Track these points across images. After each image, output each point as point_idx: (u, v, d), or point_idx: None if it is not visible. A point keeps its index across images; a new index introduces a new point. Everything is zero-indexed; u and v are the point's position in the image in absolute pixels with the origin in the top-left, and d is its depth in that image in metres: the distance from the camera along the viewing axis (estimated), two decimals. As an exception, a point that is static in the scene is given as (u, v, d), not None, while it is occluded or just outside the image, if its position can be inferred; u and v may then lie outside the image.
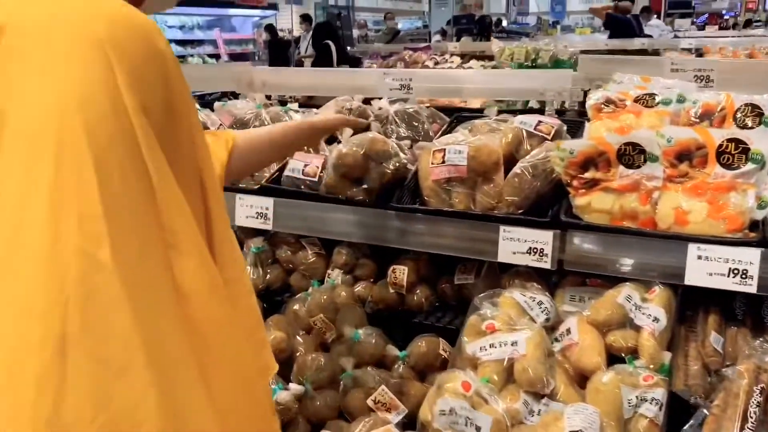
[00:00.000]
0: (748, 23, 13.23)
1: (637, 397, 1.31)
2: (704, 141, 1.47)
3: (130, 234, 0.59)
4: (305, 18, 12.61)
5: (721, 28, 13.56)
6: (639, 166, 1.53)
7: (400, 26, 23.01)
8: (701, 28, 14.12)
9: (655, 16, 15.89)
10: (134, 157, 0.60)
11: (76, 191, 0.57)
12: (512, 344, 1.41)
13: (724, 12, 20.39)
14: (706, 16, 20.04)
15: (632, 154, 1.53)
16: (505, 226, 1.63)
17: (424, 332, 1.74)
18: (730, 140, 1.45)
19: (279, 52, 11.57)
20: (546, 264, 1.60)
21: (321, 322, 1.75)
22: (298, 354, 1.72)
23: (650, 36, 8.31)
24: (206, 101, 2.79)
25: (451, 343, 1.68)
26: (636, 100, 1.75)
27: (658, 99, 1.72)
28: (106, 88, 0.60)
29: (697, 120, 1.65)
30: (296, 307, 1.86)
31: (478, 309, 1.56)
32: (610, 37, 7.85)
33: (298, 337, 1.78)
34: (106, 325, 0.56)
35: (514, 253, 1.63)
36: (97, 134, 0.59)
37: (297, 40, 12.35)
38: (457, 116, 2.20)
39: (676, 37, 9.19)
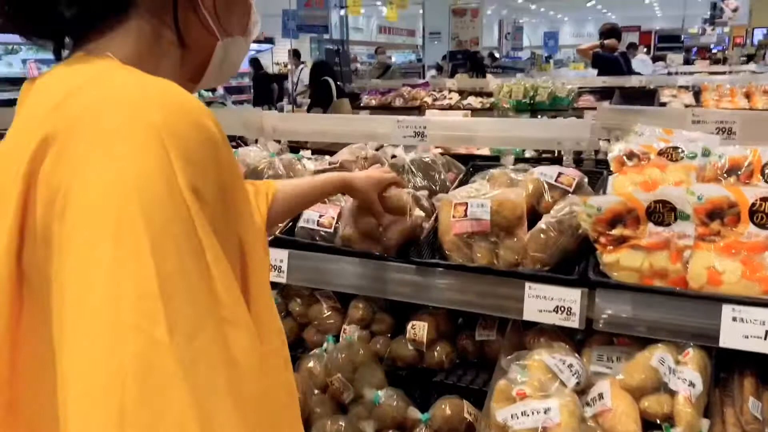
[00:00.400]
0: (750, 58, 13.42)
1: (678, 469, 1.26)
2: (736, 199, 1.44)
3: (186, 311, 0.60)
4: (295, 54, 12.67)
5: (711, 63, 13.74)
6: (669, 224, 1.49)
7: (393, 59, 23.27)
8: (691, 62, 14.32)
9: (645, 50, 16.11)
10: (189, 236, 0.62)
11: (134, 271, 0.59)
12: (545, 412, 1.35)
13: (712, 46, 20.73)
14: (696, 50, 20.36)
15: (662, 212, 1.49)
16: (531, 283, 1.59)
17: (445, 391, 1.68)
18: (763, 199, 1.42)
19: (263, 86, 11.61)
20: (574, 323, 1.55)
21: (338, 382, 1.69)
22: (314, 416, 1.65)
23: (639, 73, 8.40)
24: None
25: (475, 403, 1.63)
26: (660, 154, 1.72)
27: (683, 153, 1.70)
28: (162, 171, 0.61)
29: (725, 175, 1.63)
30: (311, 364, 1.80)
31: (505, 372, 1.51)
32: (599, 74, 7.95)
33: (313, 397, 1.72)
34: (163, 401, 0.58)
35: (541, 311, 1.58)
36: (154, 215, 0.60)
37: (284, 77, 12.44)
38: (472, 165, 2.17)
39: (669, 74, 9.29)
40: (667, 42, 22.59)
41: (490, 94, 7.06)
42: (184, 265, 0.61)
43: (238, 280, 0.71)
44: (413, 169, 2.02)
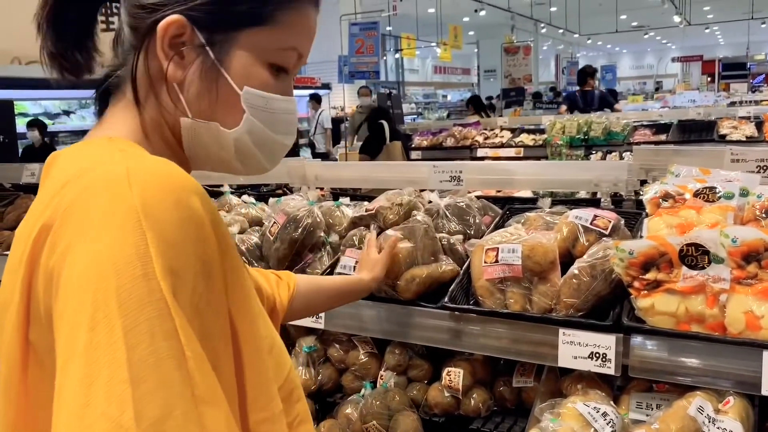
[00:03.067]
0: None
1: None
2: (773, 241, 1.40)
3: (156, 394, 0.61)
4: (313, 97, 12.83)
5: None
6: (703, 267, 1.46)
7: (449, 98, 23.49)
8: (755, 90, 13.87)
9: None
10: (163, 319, 0.63)
11: (106, 356, 0.61)
12: (577, 462, 1.32)
13: (780, 73, 20.03)
14: (763, 77, 19.70)
15: (695, 255, 1.46)
16: (564, 329, 1.57)
17: (482, 439, 1.67)
18: (801, 241, 1.37)
19: None
20: (609, 370, 1.52)
21: (374, 429, 1.70)
22: (351, 463, 1.67)
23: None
24: (261, 193, 2.86)
25: (512, 452, 1.61)
26: (696, 195, 1.69)
27: (719, 193, 1.66)
28: (138, 255, 0.64)
29: (763, 215, 1.58)
30: (348, 410, 1.82)
31: (539, 421, 1.49)
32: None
33: (351, 444, 1.73)
34: None
35: (575, 357, 1.56)
36: (128, 299, 0.62)
37: (341, 120, 12.68)
38: (509, 208, 2.18)
39: (732, 103, 9.02)
40: (732, 70, 21.97)
41: (543, 131, 7.03)
42: (156, 348, 0.62)
43: (228, 349, 0.74)
44: (448, 214, 2.04)
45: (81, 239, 0.65)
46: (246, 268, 0.88)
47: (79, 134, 10.21)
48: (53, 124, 9.96)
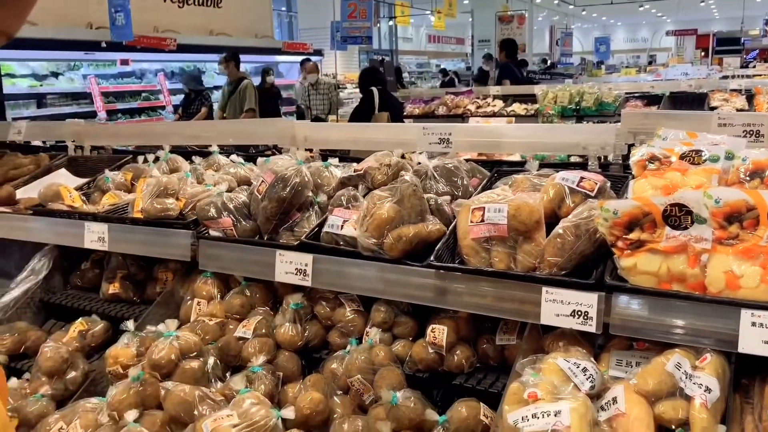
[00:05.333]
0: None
1: (689, 475, 1.24)
2: (755, 202, 1.42)
3: None
4: (303, 63, 12.45)
5: (771, 64, 13.25)
6: (686, 228, 1.48)
7: (443, 67, 23.31)
8: (747, 65, 13.83)
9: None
10: None
11: None
12: (555, 414, 1.35)
13: (773, 48, 19.97)
14: (756, 52, 19.64)
15: (679, 216, 1.48)
16: (547, 288, 1.59)
17: (464, 395, 1.69)
18: (783, 202, 1.39)
19: (270, 100, 11.15)
20: (591, 327, 1.55)
21: (359, 383, 1.72)
22: (335, 416, 1.69)
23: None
24: (250, 154, 2.84)
25: (493, 407, 1.64)
26: (682, 157, 1.70)
27: (705, 156, 1.67)
28: None
29: (747, 178, 1.60)
30: (334, 366, 1.84)
31: (519, 375, 1.51)
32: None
33: (335, 398, 1.76)
34: None
35: (558, 315, 1.58)
36: None
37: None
38: (497, 170, 2.18)
39: (725, 77, 9.01)
40: (727, 45, 21.89)
41: (535, 101, 7.01)
42: None
43: None
44: (436, 175, 2.05)
45: None
46: None
47: (68, 96, 10.07)
48: (41, 85, 9.80)
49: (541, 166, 2.06)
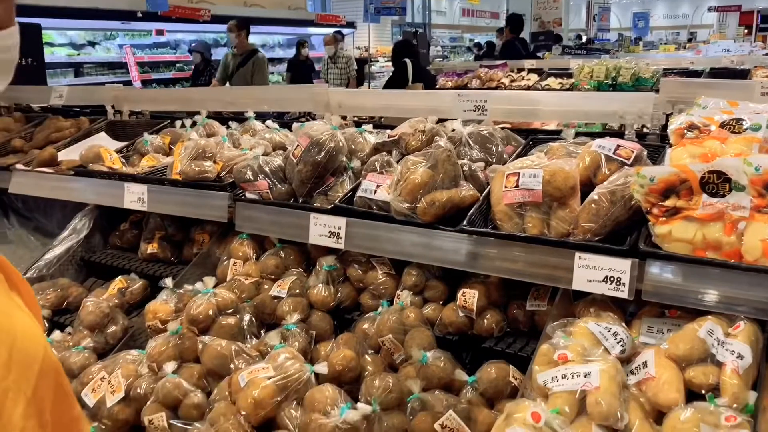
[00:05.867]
0: None
1: (718, 438, 1.25)
2: (797, 170, 1.40)
3: None
4: (334, 35, 12.29)
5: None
6: (724, 195, 1.46)
7: (477, 41, 23.00)
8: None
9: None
10: None
11: None
12: (585, 375, 1.37)
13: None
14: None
15: (716, 183, 1.46)
16: (580, 253, 1.60)
17: (494, 358, 1.71)
18: (825, 170, 1.37)
19: (301, 72, 11.17)
20: (623, 293, 1.55)
21: (389, 343, 1.76)
22: (366, 374, 1.73)
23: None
24: (285, 121, 2.87)
25: (522, 370, 1.66)
26: (722, 126, 1.68)
27: (746, 125, 1.65)
28: None
29: (790, 147, 1.57)
30: (366, 326, 1.88)
31: (550, 338, 1.53)
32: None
33: (366, 357, 1.79)
34: None
35: (590, 281, 1.59)
36: None
37: (365, 61, 12.30)
38: (532, 138, 2.18)
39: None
40: (771, 22, 21.15)
41: (571, 75, 6.90)
42: None
43: None
44: (470, 142, 2.05)
45: None
46: None
47: (104, 65, 10.22)
48: (79, 54, 9.96)
49: (578, 135, 2.05)
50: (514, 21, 9.60)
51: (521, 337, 1.84)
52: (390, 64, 8.55)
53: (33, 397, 0.66)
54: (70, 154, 2.89)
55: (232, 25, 7.24)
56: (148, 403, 1.71)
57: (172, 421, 1.66)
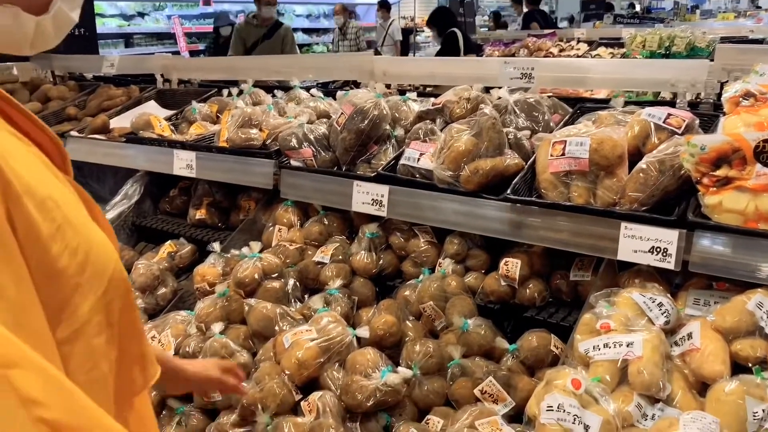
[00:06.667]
0: None
1: (764, 410, 1.23)
2: None
3: None
4: (383, 5, 12.09)
5: None
6: (779, 165, 1.41)
7: (525, 10, 22.47)
8: None
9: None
10: None
11: None
12: (627, 345, 1.36)
13: None
14: None
15: (772, 152, 1.41)
16: (627, 223, 1.57)
17: (535, 327, 1.71)
18: None
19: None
20: (669, 264, 1.52)
21: (430, 309, 1.77)
22: (407, 339, 1.75)
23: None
24: (329, 90, 2.88)
25: (564, 340, 1.65)
26: (780, 93, 1.61)
27: (806, 92, 1.58)
28: None
29: None
30: (407, 293, 1.89)
31: (593, 307, 1.52)
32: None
33: (407, 323, 1.82)
34: None
35: (635, 251, 1.57)
36: None
37: (410, 31, 12.06)
38: (580, 107, 2.13)
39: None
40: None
41: (622, 45, 6.69)
42: None
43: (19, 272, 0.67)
44: (516, 110, 2.02)
45: None
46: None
47: (153, 36, 10.38)
48: (128, 25, 10.13)
49: (628, 103, 2.00)
50: None
51: (564, 307, 1.83)
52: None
53: (102, 297, 0.74)
54: (121, 122, 2.96)
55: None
56: (197, 361, 1.78)
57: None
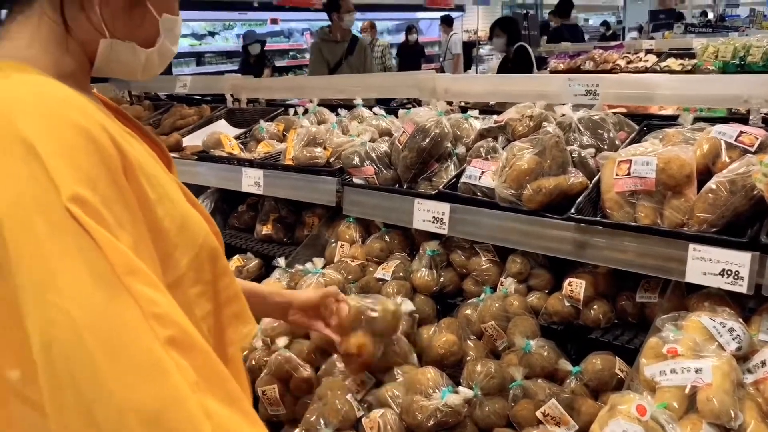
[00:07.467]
0: None
1: None
2: None
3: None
4: (445, 20, 12.01)
5: None
6: None
7: (591, 22, 22.06)
8: None
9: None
10: (78, 236, 0.71)
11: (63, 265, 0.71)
12: (696, 371, 1.32)
13: None
14: None
15: None
16: (695, 245, 1.53)
17: (600, 349, 1.68)
18: None
19: (411, 56, 10.80)
20: (741, 288, 1.47)
21: (492, 329, 1.77)
22: (468, 359, 1.75)
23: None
24: (391, 108, 2.92)
25: (629, 363, 1.62)
26: None
27: None
28: (35, 183, 0.72)
29: None
30: (468, 311, 1.89)
31: (659, 331, 1.48)
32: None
33: (468, 342, 1.81)
34: None
35: (705, 273, 1.52)
36: (35, 228, 0.71)
37: (473, 44, 12.00)
38: (646, 124, 2.09)
39: None
40: None
41: (693, 56, 6.49)
42: (72, 260, 0.71)
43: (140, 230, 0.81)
44: (580, 128, 2.00)
45: None
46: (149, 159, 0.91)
47: (223, 54, 10.75)
48: (200, 44, 10.54)
49: (697, 120, 1.95)
50: (561, 4, 8.97)
51: (629, 329, 1.79)
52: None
53: (195, 258, 0.91)
54: (193, 140, 3.09)
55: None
56: (262, 375, 1.83)
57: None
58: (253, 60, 8.56)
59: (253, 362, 1.87)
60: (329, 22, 5.94)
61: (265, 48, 11.26)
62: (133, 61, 0.97)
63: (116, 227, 0.75)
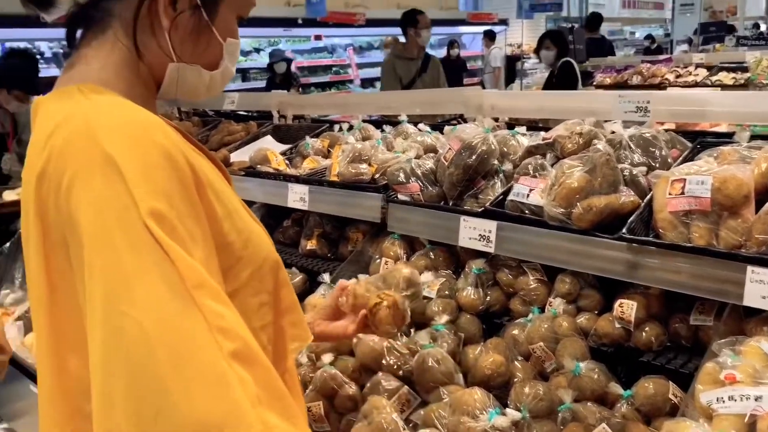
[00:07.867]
0: None
1: None
2: None
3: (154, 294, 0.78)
4: (487, 34, 11.94)
5: None
6: None
7: (637, 35, 21.69)
8: None
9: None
10: (154, 250, 0.78)
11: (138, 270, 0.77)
12: (756, 399, 1.27)
13: None
14: None
15: None
16: (754, 267, 1.48)
17: (652, 373, 1.63)
18: None
19: (455, 71, 10.60)
20: (803, 313, 1.42)
21: (540, 351, 1.74)
22: (515, 380, 1.72)
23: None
24: (436, 124, 2.91)
25: (683, 387, 1.57)
26: None
27: None
28: (119, 201, 0.77)
29: None
30: (515, 332, 1.86)
31: (716, 355, 1.43)
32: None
33: (516, 363, 1.79)
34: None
35: (764, 297, 1.47)
36: (114, 240, 0.77)
37: (518, 58, 11.92)
38: (700, 141, 2.04)
39: None
40: None
41: (746, 69, 6.32)
42: (160, 267, 0.76)
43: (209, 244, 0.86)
44: (631, 145, 1.96)
45: (76, 188, 0.79)
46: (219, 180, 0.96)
47: (265, 71, 10.93)
48: (246, 60, 10.75)
49: (753, 137, 1.89)
50: (591, 19, 9.12)
51: (682, 353, 1.74)
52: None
53: (258, 271, 0.96)
54: (240, 156, 3.14)
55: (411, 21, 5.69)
56: (307, 391, 1.83)
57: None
58: (280, 79, 8.59)
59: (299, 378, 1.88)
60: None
61: (310, 64, 11.43)
62: (198, 83, 1.03)
63: (189, 241, 0.80)
